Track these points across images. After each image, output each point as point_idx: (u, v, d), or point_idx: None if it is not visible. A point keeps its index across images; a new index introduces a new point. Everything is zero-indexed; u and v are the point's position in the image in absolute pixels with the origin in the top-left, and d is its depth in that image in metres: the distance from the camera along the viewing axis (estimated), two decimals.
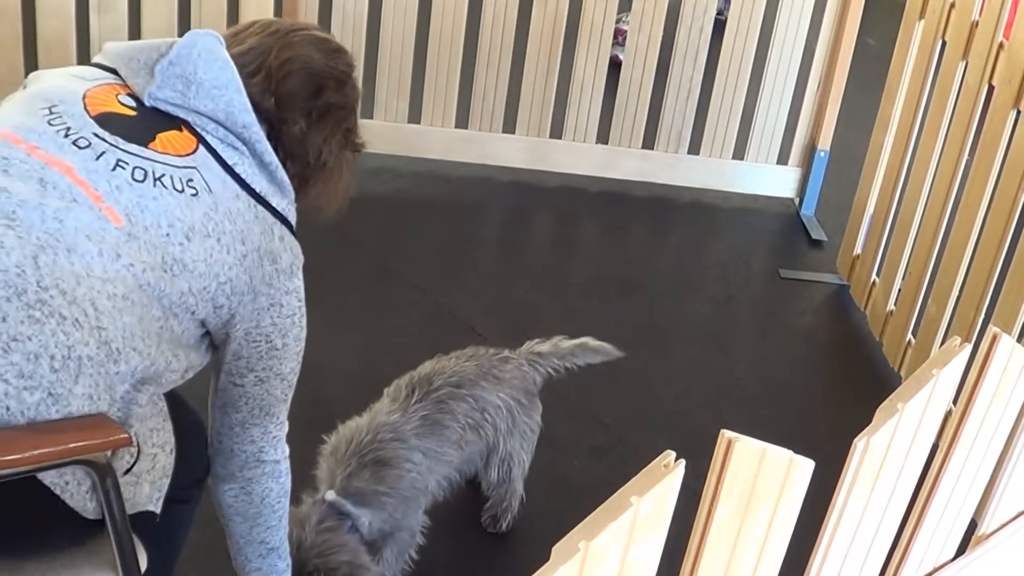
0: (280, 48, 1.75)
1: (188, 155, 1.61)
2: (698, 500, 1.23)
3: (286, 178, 1.71)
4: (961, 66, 2.89)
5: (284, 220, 1.69)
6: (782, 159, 3.95)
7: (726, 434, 1.19)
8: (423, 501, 2.16)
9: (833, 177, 3.92)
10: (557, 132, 3.87)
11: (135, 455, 1.53)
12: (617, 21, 3.78)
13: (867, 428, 1.46)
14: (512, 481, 2.36)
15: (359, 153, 1.89)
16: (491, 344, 2.41)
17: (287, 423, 1.81)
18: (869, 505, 1.59)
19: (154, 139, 1.60)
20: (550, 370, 2.38)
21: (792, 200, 4.01)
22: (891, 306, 3.22)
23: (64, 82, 1.65)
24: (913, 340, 3.07)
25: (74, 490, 1.47)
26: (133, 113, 1.63)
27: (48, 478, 1.45)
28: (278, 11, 3.53)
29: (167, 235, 1.55)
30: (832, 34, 3.74)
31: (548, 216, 3.89)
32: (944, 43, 2.99)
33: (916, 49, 3.14)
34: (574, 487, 2.61)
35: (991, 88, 2.76)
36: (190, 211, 1.57)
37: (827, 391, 3.17)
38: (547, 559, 1.02)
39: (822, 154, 3.86)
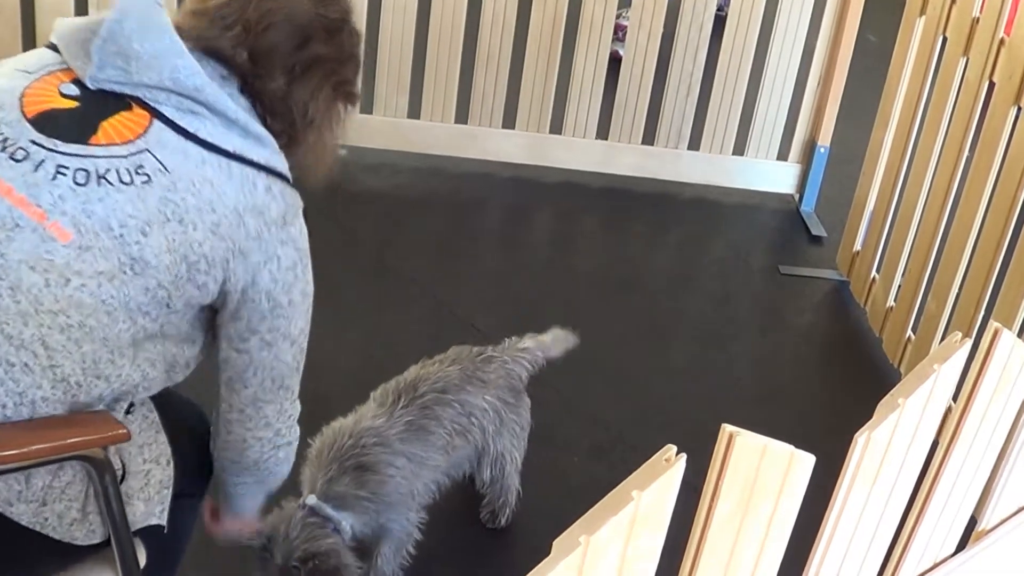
0: None
1: (137, 138, 1.51)
2: (698, 496, 1.23)
3: (262, 130, 1.59)
4: (962, 62, 2.89)
5: (269, 170, 1.57)
6: (782, 155, 3.95)
7: (727, 429, 1.19)
8: (411, 504, 2.16)
9: (833, 173, 3.92)
10: (557, 128, 3.87)
11: (120, 475, 1.51)
12: (617, 17, 3.78)
13: (868, 424, 1.46)
14: (506, 478, 2.37)
15: (352, 106, 1.75)
16: (492, 341, 2.41)
17: (299, 402, 1.72)
18: (869, 501, 1.59)
19: (96, 131, 1.50)
20: (534, 364, 2.38)
21: (792, 196, 4.01)
22: (891, 302, 3.22)
23: (6, 81, 1.56)
24: (913, 336, 3.07)
25: (55, 523, 1.47)
26: (74, 105, 1.53)
27: (25, 518, 1.44)
28: None
29: (120, 236, 1.47)
30: (832, 30, 3.74)
31: (548, 212, 3.89)
32: (945, 39, 2.99)
33: (917, 45, 3.13)
34: (574, 485, 2.61)
35: (992, 84, 2.76)
36: (143, 203, 1.48)
37: (827, 387, 3.17)
38: (547, 554, 1.02)
39: (822, 150, 3.86)
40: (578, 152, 3.90)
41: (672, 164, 3.94)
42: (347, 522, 2.05)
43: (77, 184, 1.46)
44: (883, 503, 1.66)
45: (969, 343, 1.63)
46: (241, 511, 1.86)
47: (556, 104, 3.83)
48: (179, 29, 1.57)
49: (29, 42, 3.30)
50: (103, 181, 1.47)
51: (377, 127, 3.79)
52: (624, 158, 3.92)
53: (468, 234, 3.69)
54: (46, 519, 1.45)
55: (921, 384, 1.53)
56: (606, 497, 1.07)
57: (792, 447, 1.25)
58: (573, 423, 2.82)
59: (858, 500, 1.56)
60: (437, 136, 3.85)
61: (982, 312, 2.75)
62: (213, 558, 2.09)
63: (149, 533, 1.60)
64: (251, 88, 1.62)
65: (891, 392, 1.51)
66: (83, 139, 1.50)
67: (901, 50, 3.21)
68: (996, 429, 1.89)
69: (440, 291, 3.27)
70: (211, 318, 1.63)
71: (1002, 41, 2.71)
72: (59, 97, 1.53)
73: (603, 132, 3.89)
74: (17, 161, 1.47)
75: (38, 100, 1.52)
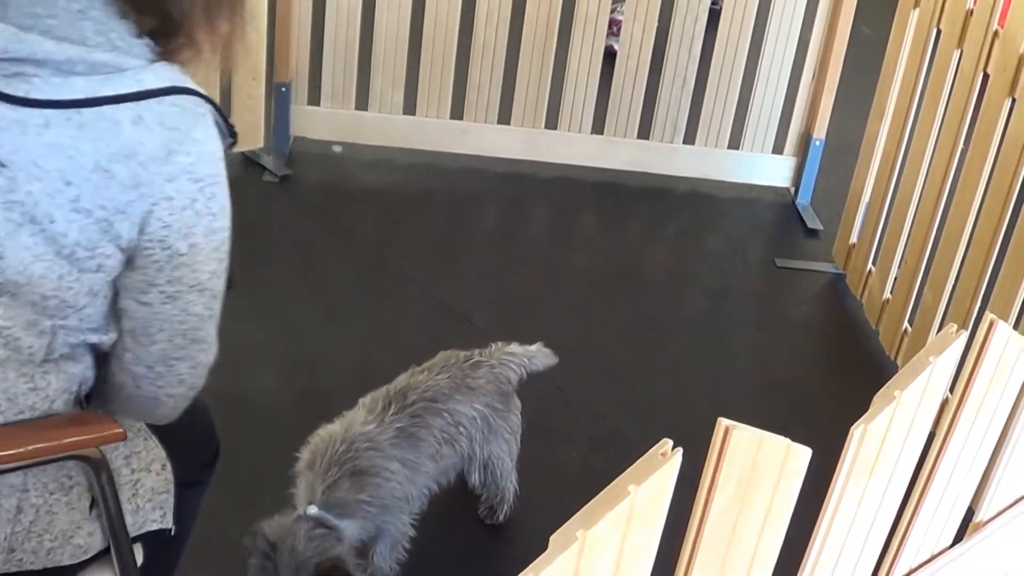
0: None
1: None
2: (695, 490, 1.23)
3: (121, 45, 1.33)
4: (956, 54, 2.89)
5: (136, 95, 1.32)
6: (777, 148, 3.94)
7: (723, 422, 1.19)
8: (406, 508, 2.17)
9: (829, 166, 3.92)
10: (552, 123, 3.86)
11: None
12: (612, 11, 3.78)
13: (864, 416, 1.46)
14: (498, 480, 2.38)
15: None
16: (490, 337, 2.41)
17: (216, 343, 1.49)
18: (866, 493, 1.59)
19: None
20: (521, 367, 2.38)
21: (788, 189, 4.01)
22: (887, 294, 3.22)
23: None
24: (909, 328, 3.07)
25: (32, 559, 1.44)
26: None
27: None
28: (272, 2, 3.53)
29: None
30: (827, 22, 3.73)
31: (544, 207, 3.89)
32: (939, 31, 2.99)
33: (911, 37, 3.14)
34: (572, 478, 2.61)
35: (986, 76, 2.76)
36: None
37: (823, 380, 3.17)
38: (545, 549, 1.02)
39: (817, 143, 3.86)
40: (574, 147, 3.90)
41: (668, 158, 3.94)
42: (350, 530, 2.05)
43: None
44: (880, 495, 1.66)
45: (965, 335, 1.63)
46: None
47: (551, 99, 3.83)
48: None
49: None
50: None
51: (373, 124, 3.79)
52: (620, 152, 3.92)
53: (465, 230, 3.69)
54: (21, 560, 1.42)
55: (917, 376, 1.53)
56: (603, 492, 1.08)
57: (788, 440, 1.25)
58: (571, 417, 2.82)
59: (855, 492, 1.56)
60: (433, 132, 3.85)
61: (978, 303, 2.76)
62: (213, 558, 2.09)
63: (146, 535, 1.59)
64: None
65: (887, 384, 1.51)
66: None
67: (895, 42, 3.21)
68: (992, 420, 1.90)
69: (438, 287, 3.27)
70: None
71: (996, 33, 2.72)
72: None
73: (598, 127, 3.89)
74: None
75: None
